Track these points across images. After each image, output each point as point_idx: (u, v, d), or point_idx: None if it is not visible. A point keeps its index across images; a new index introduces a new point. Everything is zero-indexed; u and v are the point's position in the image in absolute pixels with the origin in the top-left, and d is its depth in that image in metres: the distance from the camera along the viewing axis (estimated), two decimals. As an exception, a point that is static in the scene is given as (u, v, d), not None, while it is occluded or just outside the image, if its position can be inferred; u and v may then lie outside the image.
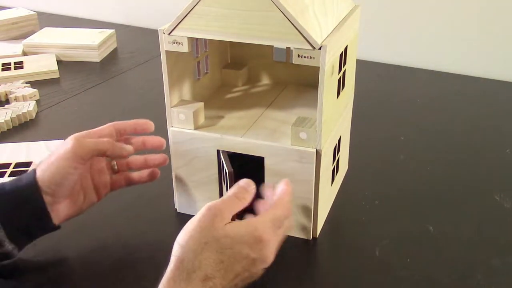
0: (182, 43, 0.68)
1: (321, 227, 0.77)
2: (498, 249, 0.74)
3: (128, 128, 0.75)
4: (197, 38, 0.74)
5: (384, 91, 1.24)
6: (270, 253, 0.59)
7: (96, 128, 0.72)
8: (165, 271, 0.55)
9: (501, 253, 0.73)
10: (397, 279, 0.69)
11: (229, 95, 0.86)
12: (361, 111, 1.06)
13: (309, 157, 0.69)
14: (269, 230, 0.59)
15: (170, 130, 0.75)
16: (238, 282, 0.57)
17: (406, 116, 1.11)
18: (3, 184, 0.66)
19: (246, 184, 0.63)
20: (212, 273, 0.55)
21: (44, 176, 0.66)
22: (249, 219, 0.60)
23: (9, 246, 0.65)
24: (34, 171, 0.66)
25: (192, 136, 0.74)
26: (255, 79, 0.91)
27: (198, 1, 0.65)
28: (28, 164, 0.91)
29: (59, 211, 0.68)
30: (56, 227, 0.68)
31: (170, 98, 0.73)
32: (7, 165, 0.91)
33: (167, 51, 0.70)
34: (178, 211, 0.81)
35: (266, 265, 0.59)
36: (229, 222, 0.58)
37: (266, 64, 0.89)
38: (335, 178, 0.82)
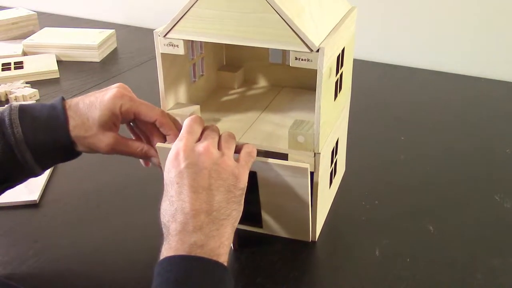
0: (177, 46, 0.67)
1: (320, 229, 0.77)
2: (498, 249, 0.74)
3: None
4: (193, 40, 0.74)
5: (384, 91, 1.24)
6: (200, 147, 0.61)
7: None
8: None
9: (501, 253, 0.73)
10: (397, 279, 0.69)
11: (225, 98, 0.86)
12: (361, 111, 1.06)
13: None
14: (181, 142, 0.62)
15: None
16: (230, 204, 0.60)
17: (406, 116, 1.11)
18: (40, 108, 0.68)
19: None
20: (201, 190, 0.58)
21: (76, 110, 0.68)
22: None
23: (34, 166, 0.67)
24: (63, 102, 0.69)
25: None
26: (251, 81, 0.91)
27: (194, 3, 0.64)
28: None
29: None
30: (77, 154, 0.71)
31: (165, 101, 0.73)
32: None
33: (162, 54, 0.69)
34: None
35: (209, 154, 0.61)
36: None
37: (262, 66, 0.89)
38: (333, 181, 0.82)
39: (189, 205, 0.57)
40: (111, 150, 0.70)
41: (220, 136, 0.65)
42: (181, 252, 0.55)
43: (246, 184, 0.63)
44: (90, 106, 0.68)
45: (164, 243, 0.57)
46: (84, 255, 0.74)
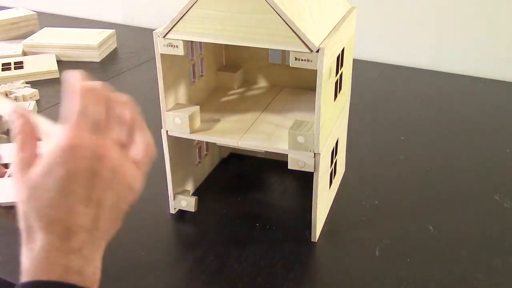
0: (177, 46, 0.68)
1: (320, 229, 0.77)
2: (498, 249, 0.74)
3: None
4: (192, 41, 0.74)
5: (384, 91, 1.24)
6: (95, 149, 0.47)
7: None
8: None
9: (501, 253, 0.73)
10: (397, 279, 0.69)
11: (224, 98, 0.86)
12: (361, 111, 1.06)
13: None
14: (71, 133, 0.47)
15: (165, 134, 0.75)
16: (103, 199, 0.47)
17: (406, 116, 1.11)
18: None
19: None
20: (52, 215, 0.46)
21: None
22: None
23: None
24: None
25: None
26: (251, 81, 0.91)
27: (193, 4, 0.64)
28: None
29: None
30: None
31: (165, 101, 0.73)
32: (7, 166, 0.91)
33: (162, 54, 0.69)
34: (171, 213, 0.81)
35: (116, 159, 0.48)
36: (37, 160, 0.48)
37: (261, 66, 0.89)
38: (333, 181, 0.82)
39: (75, 218, 0.46)
40: None
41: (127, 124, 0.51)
42: (54, 276, 0.44)
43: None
44: None
45: (26, 251, 0.46)
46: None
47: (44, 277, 0.44)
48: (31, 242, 0.46)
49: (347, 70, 0.79)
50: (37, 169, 0.46)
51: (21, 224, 0.47)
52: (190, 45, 0.78)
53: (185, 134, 0.74)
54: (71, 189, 0.46)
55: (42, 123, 0.52)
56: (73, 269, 0.45)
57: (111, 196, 0.48)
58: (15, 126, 0.50)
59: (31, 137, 0.50)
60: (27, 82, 1.26)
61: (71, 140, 0.46)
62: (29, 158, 0.48)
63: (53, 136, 0.49)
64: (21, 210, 0.47)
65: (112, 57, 1.46)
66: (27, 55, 1.42)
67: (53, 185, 0.46)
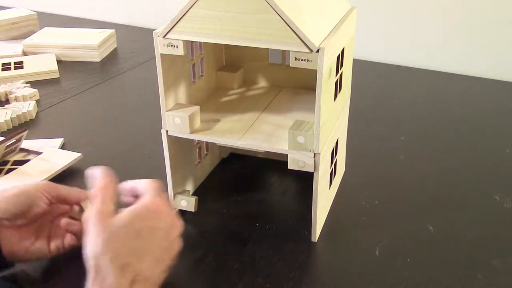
0: (177, 46, 0.67)
1: (320, 229, 0.77)
2: (498, 249, 0.74)
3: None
4: (192, 41, 0.74)
5: (384, 91, 1.24)
6: (173, 218, 0.62)
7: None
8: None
9: (501, 253, 0.73)
10: (397, 279, 0.69)
11: (224, 98, 0.86)
12: (361, 111, 1.06)
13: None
14: (156, 198, 0.61)
15: (165, 134, 0.75)
16: (163, 256, 0.60)
17: (406, 116, 1.11)
18: None
19: (101, 179, 0.63)
20: (126, 261, 0.56)
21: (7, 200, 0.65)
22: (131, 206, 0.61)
23: None
24: None
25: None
26: (251, 81, 0.91)
27: (193, 4, 0.64)
28: (24, 162, 0.91)
29: (8, 239, 0.66)
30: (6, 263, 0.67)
31: (165, 101, 0.73)
32: (5, 163, 0.92)
33: (162, 54, 0.69)
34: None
35: (179, 230, 0.62)
36: (116, 214, 0.59)
37: (261, 66, 0.89)
38: (333, 181, 0.82)
39: (141, 267, 0.57)
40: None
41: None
42: None
43: None
44: None
45: (93, 286, 0.55)
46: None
47: None
48: (99, 280, 0.54)
49: (347, 70, 0.79)
50: (121, 219, 0.58)
51: (90, 263, 0.55)
52: (190, 45, 0.78)
53: (185, 134, 0.74)
54: (146, 242, 0.57)
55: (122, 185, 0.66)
56: None
57: (168, 255, 0.60)
58: (100, 182, 0.62)
59: (112, 194, 0.61)
60: (27, 82, 1.26)
61: (157, 204, 0.61)
62: (109, 210, 0.59)
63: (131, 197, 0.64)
64: (93, 251, 0.55)
65: (112, 57, 1.46)
66: (27, 55, 1.42)
67: (133, 235, 0.57)
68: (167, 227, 0.60)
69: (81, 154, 0.94)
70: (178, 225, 0.63)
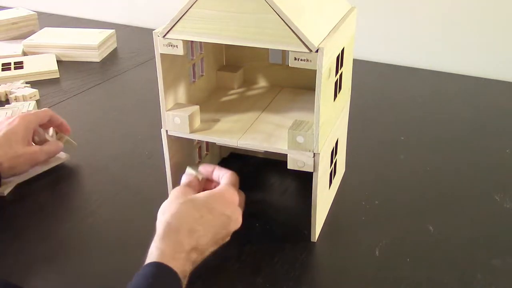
0: (177, 46, 0.67)
1: (320, 229, 0.77)
2: (498, 249, 0.74)
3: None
4: (192, 41, 0.74)
5: (384, 91, 1.24)
6: (238, 214, 0.68)
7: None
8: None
9: (501, 253, 0.73)
10: (397, 279, 0.69)
11: (224, 98, 0.86)
12: (361, 111, 1.06)
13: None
14: (234, 192, 0.69)
15: (165, 134, 0.75)
16: (218, 240, 0.66)
17: (406, 116, 1.11)
18: None
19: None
20: (194, 227, 0.63)
21: None
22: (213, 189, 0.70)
23: None
24: None
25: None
26: (251, 81, 0.91)
27: (193, 4, 0.64)
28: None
29: None
30: None
31: (165, 101, 0.73)
32: None
33: (162, 54, 0.69)
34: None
35: (237, 226, 0.68)
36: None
37: (261, 66, 0.89)
38: (333, 181, 0.82)
39: (202, 240, 0.64)
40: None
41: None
42: (175, 267, 0.60)
43: None
44: None
45: (159, 243, 0.61)
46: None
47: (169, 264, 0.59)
48: (169, 236, 0.62)
49: (347, 70, 0.79)
50: (199, 195, 0.67)
51: (162, 220, 0.64)
52: (190, 45, 0.78)
53: (185, 134, 0.74)
54: (213, 220, 0.65)
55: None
56: (185, 272, 0.61)
57: (219, 242, 0.67)
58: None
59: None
60: (27, 82, 1.26)
61: (232, 194, 0.68)
62: (193, 188, 0.70)
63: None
64: (169, 210, 0.64)
65: (112, 57, 1.46)
66: (27, 55, 1.42)
67: (206, 210, 0.65)
68: (231, 218, 0.67)
69: (67, 154, 0.95)
70: (239, 221, 0.68)
